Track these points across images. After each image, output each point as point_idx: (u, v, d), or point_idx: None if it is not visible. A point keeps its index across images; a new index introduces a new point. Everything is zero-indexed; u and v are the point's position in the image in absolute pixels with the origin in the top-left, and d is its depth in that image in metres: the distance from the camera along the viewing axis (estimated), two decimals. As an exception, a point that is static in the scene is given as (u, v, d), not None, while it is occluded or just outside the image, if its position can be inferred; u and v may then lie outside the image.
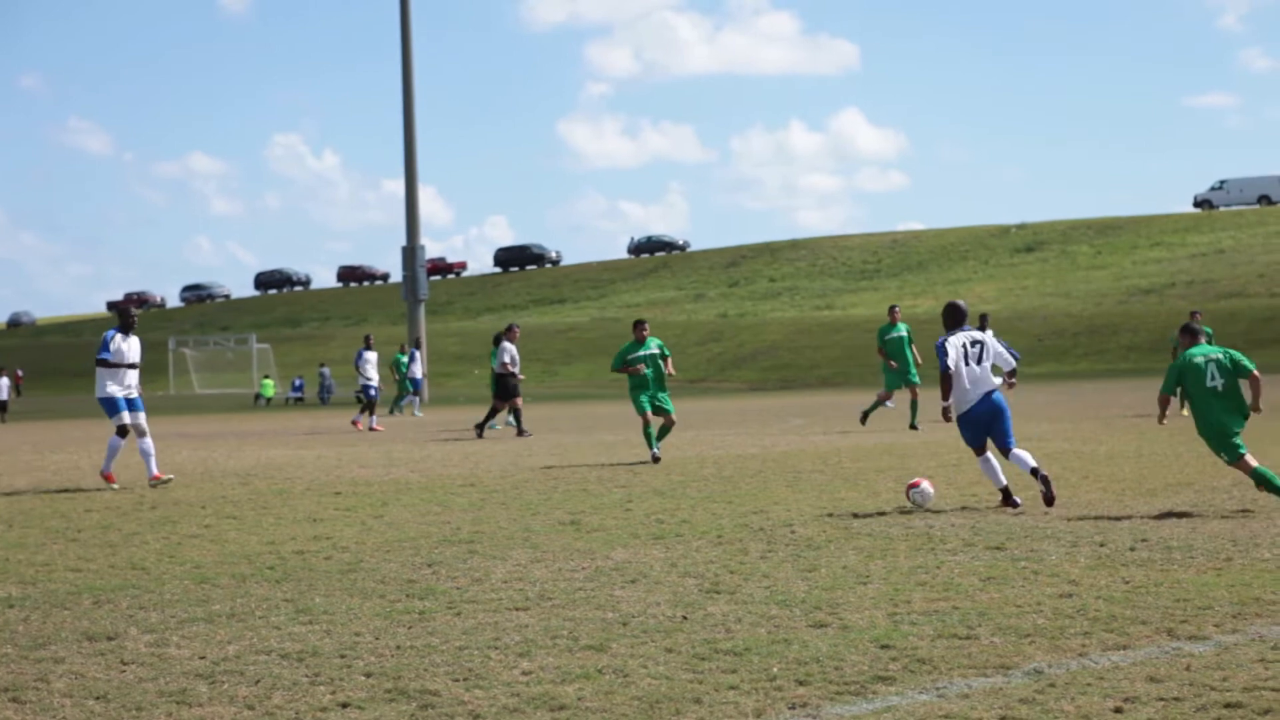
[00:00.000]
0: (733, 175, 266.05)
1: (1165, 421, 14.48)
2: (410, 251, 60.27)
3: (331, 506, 15.32)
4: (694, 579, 9.94)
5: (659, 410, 20.61)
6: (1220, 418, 13.09)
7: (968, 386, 13.90)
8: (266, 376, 71.08)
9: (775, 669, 7.20)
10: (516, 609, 8.96)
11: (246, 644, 8.11)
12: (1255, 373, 13.25)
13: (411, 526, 13.37)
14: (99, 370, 18.35)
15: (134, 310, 19.06)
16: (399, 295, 71.57)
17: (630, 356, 20.62)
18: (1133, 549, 10.77)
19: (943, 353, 13.91)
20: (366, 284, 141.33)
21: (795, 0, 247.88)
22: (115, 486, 18.11)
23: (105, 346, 18.34)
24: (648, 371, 20.61)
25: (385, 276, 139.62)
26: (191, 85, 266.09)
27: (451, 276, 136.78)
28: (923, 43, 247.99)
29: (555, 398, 59.70)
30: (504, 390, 29.12)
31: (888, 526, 12.42)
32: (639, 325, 20.92)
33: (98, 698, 6.97)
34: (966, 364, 13.90)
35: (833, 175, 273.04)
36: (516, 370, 29.15)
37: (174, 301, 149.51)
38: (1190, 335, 13.98)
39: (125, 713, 6.69)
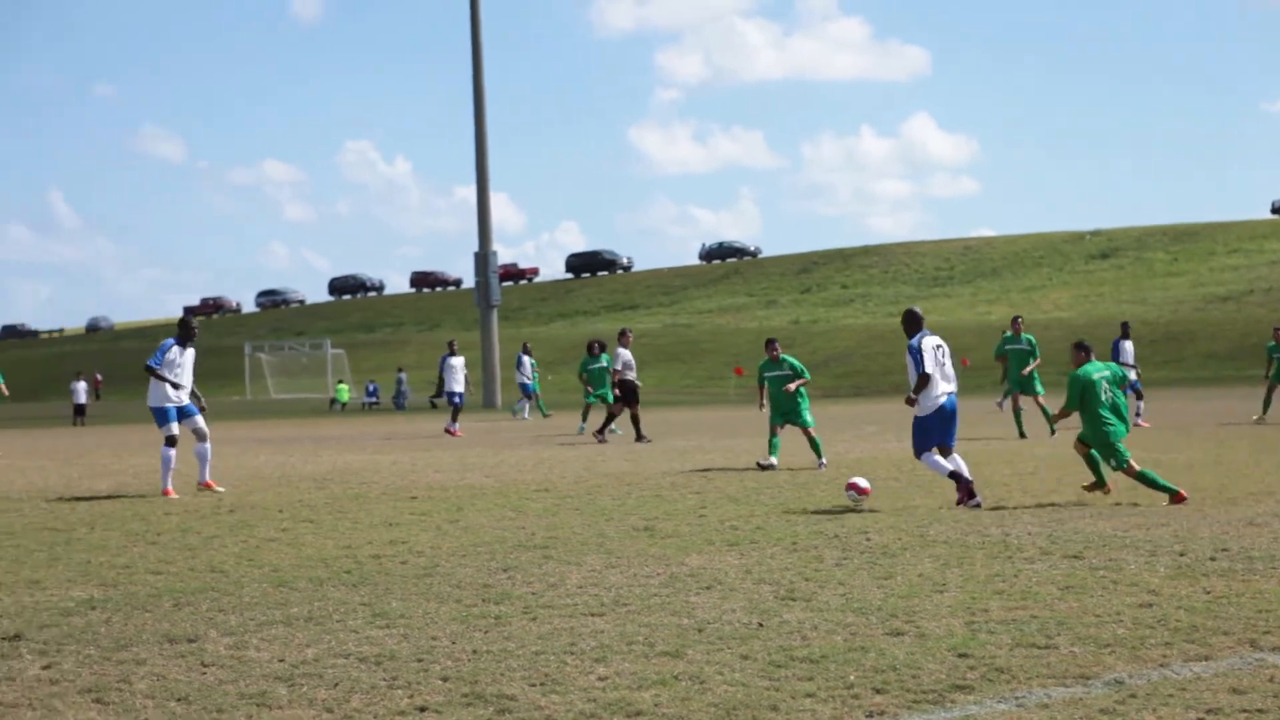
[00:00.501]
0: (804, 181, 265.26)
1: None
2: (482, 257, 60.48)
3: (407, 511, 15.40)
4: (769, 586, 9.92)
5: (792, 425, 20.79)
6: (1110, 429, 14.91)
7: (939, 388, 15.04)
8: (341, 381, 71.55)
9: (852, 677, 7.17)
10: (592, 614, 8.97)
11: (324, 647, 8.17)
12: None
13: (487, 531, 13.42)
14: (152, 378, 18.35)
15: (195, 322, 18.98)
16: (472, 301, 71.90)
17: (765, 375, 21.32)
18: (1213, 558, 10.65)
19: (918, 355, 15.03)
20: (439, 290, 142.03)
21: (865, 6, 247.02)
22: (176, 497, 17.85)
23: (159, 355, 18.36)
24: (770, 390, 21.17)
25: (458, 282, 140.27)
26: (264, 92, 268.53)
27: (524, 282, 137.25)
28: (994, 47, 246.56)
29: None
30: (626, 394, 29.00)
31: (964, 534, 12.34)
32: (770, 344, 21.57)
33: (179, 699, 7.04)
34: (936, 363, 15.07)
35: (904, 181, 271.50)
36: (632, 375, 29.00)
37: (249, 307, 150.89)
38: (1084, 351, 15.47)
39: (206, 714, 6.76)
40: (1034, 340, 27.03)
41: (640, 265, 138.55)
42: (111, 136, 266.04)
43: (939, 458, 14.94)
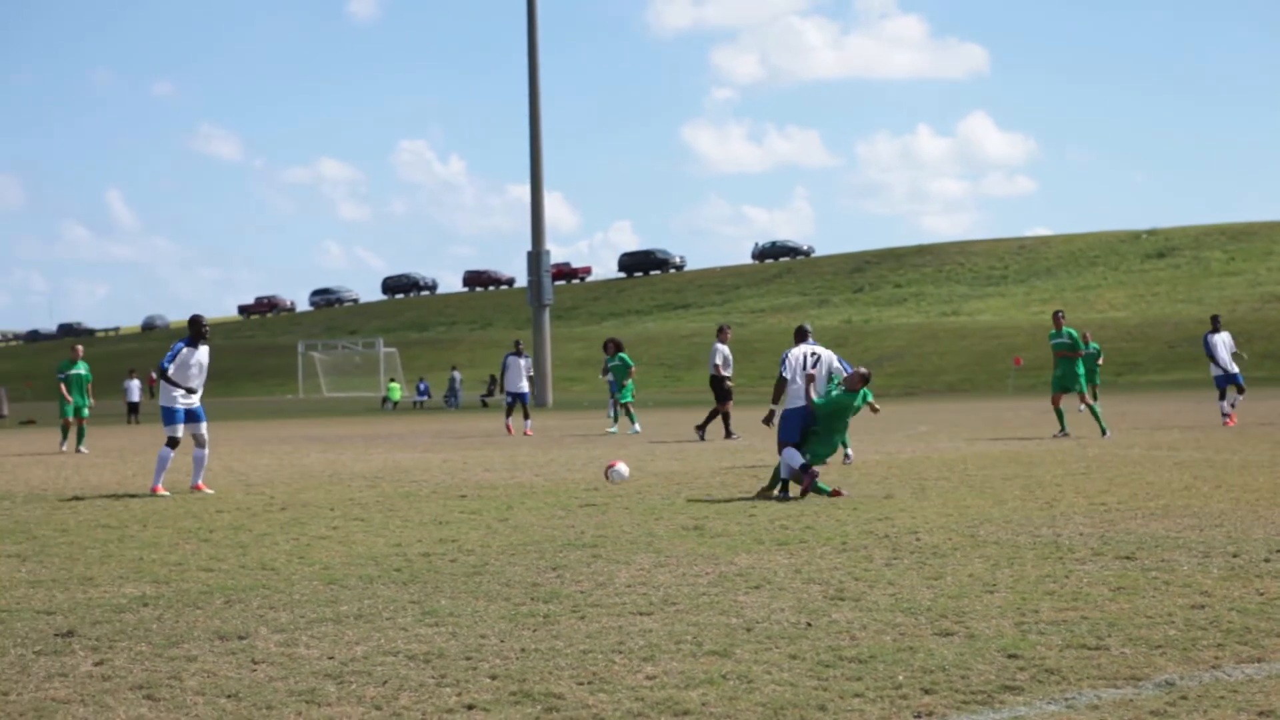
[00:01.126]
0: (858, 180, 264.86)
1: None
2: (536, 257, 60.61)
3: (457, 510, 15.45)
4: (818, 585, 9.89)
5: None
6: None
7: (800, 389, 16.80)
8: (393, 380, 71.85)
9: (901, 677, 7.14)
10: (640, 613, 8.97)
11: (374, 645, 8.20)
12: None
13: (536, 530, 13.45)
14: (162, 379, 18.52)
15: (205, 321, 19.04)
16: (524, 300, 72.05)
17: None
18: (1267, 560, 10.55)
19: (784, 363, 17.07)
20: (492, 289, 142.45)
21: (923, 4, 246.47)
22: (166, 495, 18.07)
23: (170, 356, 18.54)
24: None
25: (511, 281, 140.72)
26: (320, 92, 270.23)
27: (576, 282, 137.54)
28: (1052, 46, 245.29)
29: (679, 403, 59.75)
30: (721, 392, 28.96)
31: (1015, 535, 12.28)
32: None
33: (229, 696, 7.08)
34: (803, 369, 16.93)
35: (960, 180, 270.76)
36: (729, 373, 28.89)
37: (303, 306, 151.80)
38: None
39: (256, 711, 6.79)
40: (1075, 334, 26.90)
41: (693, 265, 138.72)
42: (169, 136, 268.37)
43: (796, 452, 16.33)
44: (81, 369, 30.00)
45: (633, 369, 33.47)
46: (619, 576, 10.48)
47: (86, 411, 30.01)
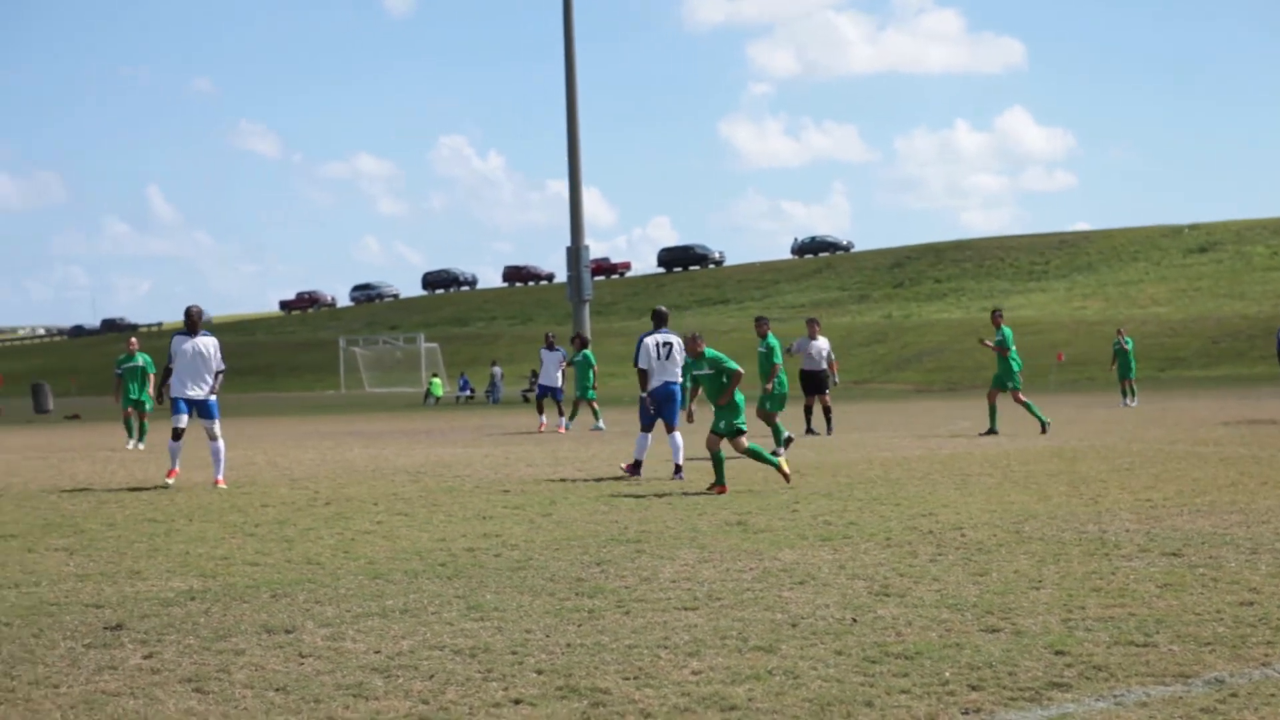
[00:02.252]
0: (897, 175, 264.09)
1: None
2: (574, 252, 60.60)
3: (500, 504, 15.48)
4: (863, 581, 9.87)
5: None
6: None
7: (656, 375, 18.62)
8: (435, 375, 72.01)
9: (947, 673, 7.13)
10: (685, 609, 8.98)
11: (420, 639, 8.23)
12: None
13: (579, 525, 13.47)
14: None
15: (196, 311, 19.35)
16: (564, 295, 72.07)
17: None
18: (1316, 557, 10.48)
19: (641, 350, 18.71)
20: (531, 284, 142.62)
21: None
22: (171, 483, 18.74)
23: (170, 350, 19.01)
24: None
25: (550, 277, 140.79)
26: (358, 87, 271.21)
27: (615, 277, 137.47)
28: (1089, 39, 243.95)
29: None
30: (811, 386, 28.58)
31: (1060, 531, 12.23)
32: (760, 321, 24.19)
33: (277, 689, 7.12)
34: (657, 358, 18.69)
35: (998, 175, 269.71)
36: (815, 367, 28.56)
37: (344, 301, 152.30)
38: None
39: (304, 704, 6.82)
40: (1009, 333, 27.11)
41: (732, 260, 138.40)
42: (208, 132, 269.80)
43: (649, 442, 18.81)
44: (139, 361, 29.70)
45: (595, 367, 33.43)
46: (663, 572, 10.48)
47: (148, 406, 29.27)
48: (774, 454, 19.19)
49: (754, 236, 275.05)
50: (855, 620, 8.48)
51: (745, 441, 16.83)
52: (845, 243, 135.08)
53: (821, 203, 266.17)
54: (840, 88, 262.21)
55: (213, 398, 18.91)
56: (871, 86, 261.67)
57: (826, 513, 13.98)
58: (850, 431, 28.95)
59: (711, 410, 17.35)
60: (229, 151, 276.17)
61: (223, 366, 19.05)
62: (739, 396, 16.98)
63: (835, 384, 29.04)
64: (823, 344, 28.65)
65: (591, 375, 33.07)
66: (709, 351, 17.10)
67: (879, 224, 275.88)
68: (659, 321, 19.14)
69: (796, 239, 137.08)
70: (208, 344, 18.98)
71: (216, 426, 18.79)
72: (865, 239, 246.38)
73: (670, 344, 18.79)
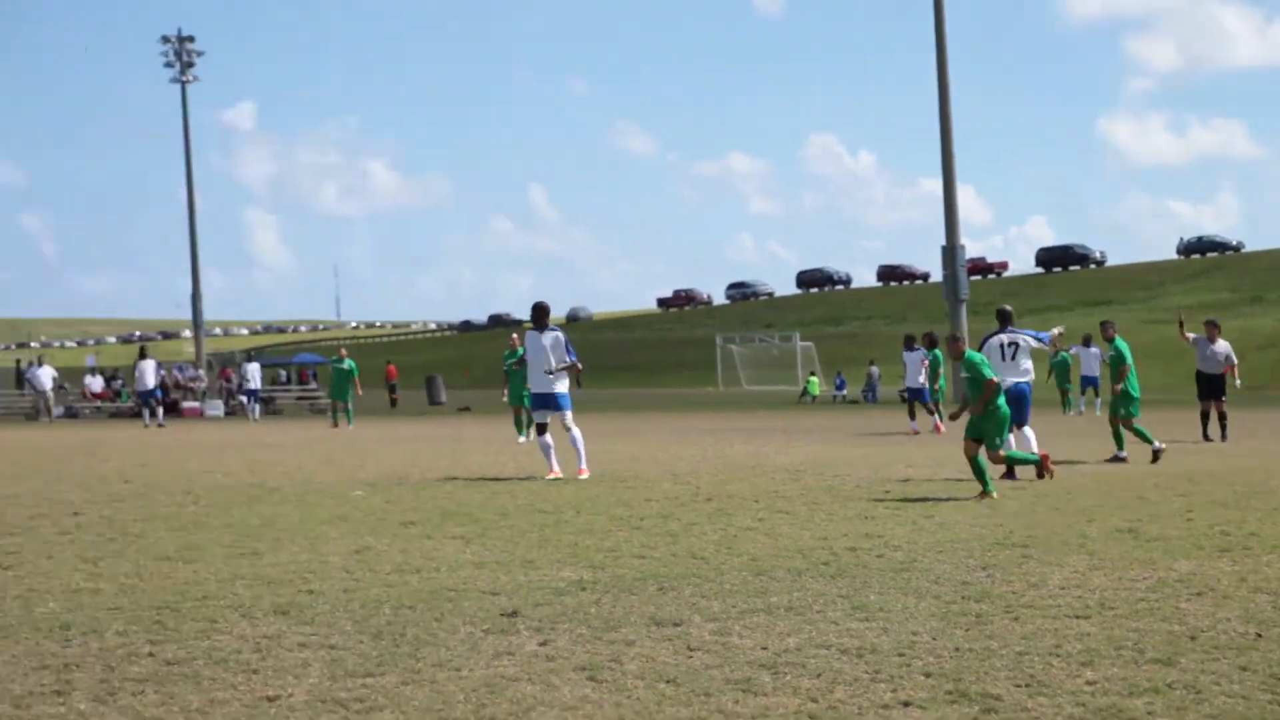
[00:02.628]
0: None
1: None
2: (950, 251, 59.74)
3: (881, 505, 15.38)
4: (1266, 595, 9.42)
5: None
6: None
7: (1003, 375, 18.07)
8: (813, 374, 72.10)
9: (1364, 696, 6.73)
10: (1077, 617, 8.73)
11: (805, 637, 8.24)
12: None
13: (963, 528, 13.27)
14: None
15: (541, 306, 19.72)
16: (939, 295, 71.12)
17: None
18: None
19: (987, 359, 18.01)
20: (906, 284, 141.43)
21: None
22: (547, 478, 19.39)
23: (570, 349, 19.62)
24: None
25: (925, 276, 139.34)
26: (729, 87, 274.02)
27: (992, 277, 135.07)
28: None
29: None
30: (1208, 390, 27.34)
31: None
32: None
33: (668, 681, 7.23)
34: (1001, 359, 18.78)
35: None
36: (1211, 370, 27.32)
37: (719, 299, 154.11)
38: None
39: (695, 697, 6.92)
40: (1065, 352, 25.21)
41: (1113, 260, 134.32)
42: (587, 132, 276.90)
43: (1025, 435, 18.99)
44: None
45: (941, 367, 33.02)
46: (1052, 578, 10.23)
47: (526, 402, 29.74)
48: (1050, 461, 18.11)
49: (1136, 236, 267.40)
50: (1260, 635, 8.10)
51: (1001, 452, 16.71)
52: (1235, 242, 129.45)
53: (1209, 201, 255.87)
54: (1226, 82, 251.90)
55: (562, 390, 19.35)
56: (1261, 80, 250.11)
57: (1224, 522, 13.39)
58: (1247, 439, 27.69)
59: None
60: (606, 151, 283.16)
61: (571, 359, 19.34)
62: (1004, 408, 16.66)
63: (1237, 386, 27.77)
64: (1222, 346, 27.35)
65: (939, 375, 32.98)
66: (970, 354, 16.65)
67: (1273, 223, 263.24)
68: (1003, 321, 19.48)
69: (1182, 238, 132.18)
70: (553, 338, 19.40)
71: (568, 417, 19.26)
72: (1257, 239, 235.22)
73: (1016, 344, 19.08)
